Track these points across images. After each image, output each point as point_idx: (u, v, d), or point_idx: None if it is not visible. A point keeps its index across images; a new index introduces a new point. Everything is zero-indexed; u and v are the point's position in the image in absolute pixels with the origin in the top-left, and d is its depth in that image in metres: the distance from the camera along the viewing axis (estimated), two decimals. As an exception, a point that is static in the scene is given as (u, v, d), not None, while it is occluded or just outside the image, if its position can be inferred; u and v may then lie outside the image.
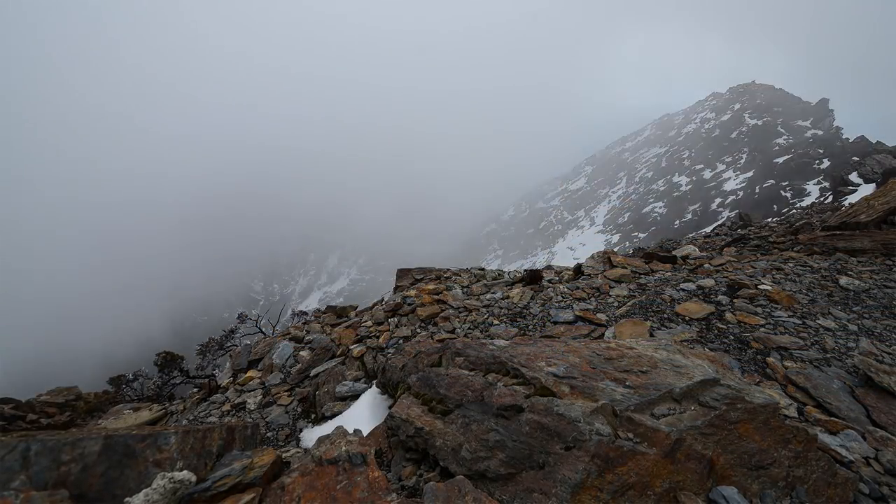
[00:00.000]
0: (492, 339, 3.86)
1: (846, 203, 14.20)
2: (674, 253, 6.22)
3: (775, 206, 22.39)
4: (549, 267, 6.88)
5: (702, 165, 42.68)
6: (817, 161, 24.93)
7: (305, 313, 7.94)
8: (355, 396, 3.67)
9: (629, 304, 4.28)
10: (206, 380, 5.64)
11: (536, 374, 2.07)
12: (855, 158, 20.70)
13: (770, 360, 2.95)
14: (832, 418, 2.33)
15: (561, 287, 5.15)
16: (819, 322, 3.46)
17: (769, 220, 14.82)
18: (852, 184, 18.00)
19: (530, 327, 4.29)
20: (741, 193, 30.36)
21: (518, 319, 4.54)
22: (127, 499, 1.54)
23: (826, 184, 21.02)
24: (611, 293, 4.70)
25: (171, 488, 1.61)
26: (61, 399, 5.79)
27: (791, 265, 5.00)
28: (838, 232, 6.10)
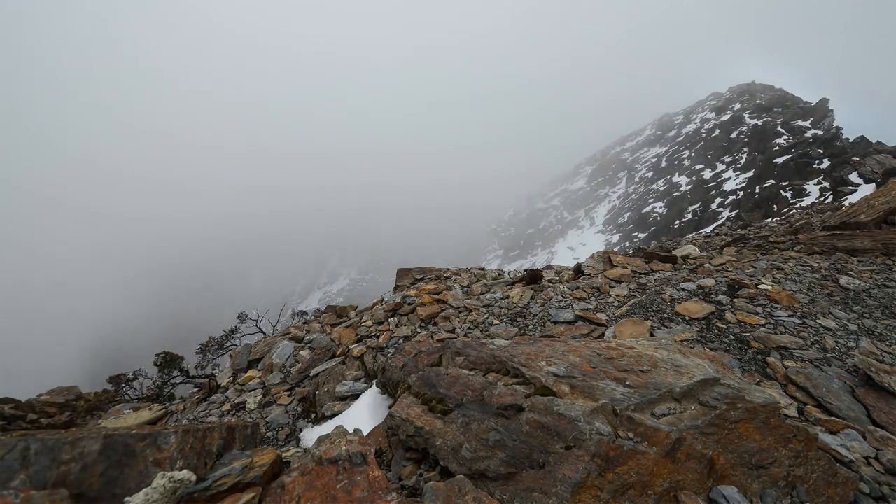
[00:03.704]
0: (492, 338, 3.86)
1: (846, 203, 14.19)
2: (674, 253, 6.22)
3: (775, 206, 22.37)
4: (549, 267, 6.88)
5: (702, 165, 42.65)
6: (817, 161, 24.91)
7: (305, 313, 7.94)
8: (355, 396, 3.67)
9: (629, 303, 4.28)
10: (206, 379, 5.63)
11: (536, 374, 2.07)
12: (855, 158, 20.68)
13: (770, 359, 2.95)
14: (832, 418, 2.32)
15: (561, 287, 5.15)
16: (819, 322, 3.45)
17: (769, 219, 14.83)
18: (852, 184, 18.00)
19: (530, 327, 4.29)
20: (741, 193, 30.34)
21: (518, 319, 4.54)
22: (127, 498, 1.54)
23: (826, 184, 21.00)
24: (611, 293, 4.70)
25: (171, 488, 1.61)
26: (61, 399, 5.78)
27: (791, 265, 5.00)
28: (838, 232, 6.10)
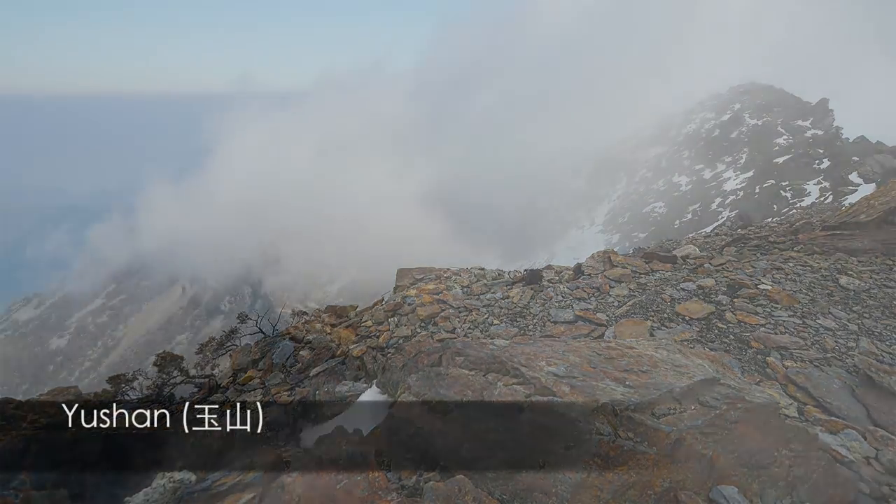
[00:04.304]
0: (492, 338, 3.86)
1: (846, 203, 14.21)
2: (674, 252, 6.21)
3: (775, 206, 22.35)
4: (549, 267, 6.88)
5: (702, 165, 42.57)
6: (817, 161, 24.91)
7: (305, 313, 7.93)
8: (355, 396, 3.67)
9: (629, 303, 4.28)
10: (206, 380, 5.63)
11: (536, 374, 2.07)
12: (855, 158, 20.70)
13: (770, 359, 2.95)
14: (832, 418, 2.33)
15: (561, 287, 5.15)
16: (819, 322, 3.45)
17: (769, 219, 14.82)
18: (852, 184, 18.01)
19: (530, 327, 4.29)
20: (741, 193, 30.32)
21: (518, 319, 4.54)
22: (127, 498, 1.54)
23: (826, 184, 21.01)
24: (611, 293, 4.70)
25: (171, 488, 1.61)
26: (61, 399, 5.78)
27: (791, 265, 5.00)
28: (838, 232, 6.10)
